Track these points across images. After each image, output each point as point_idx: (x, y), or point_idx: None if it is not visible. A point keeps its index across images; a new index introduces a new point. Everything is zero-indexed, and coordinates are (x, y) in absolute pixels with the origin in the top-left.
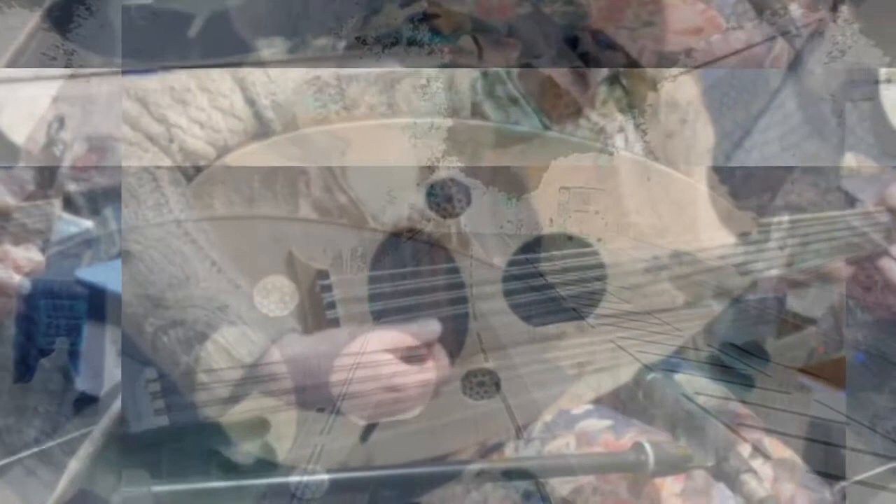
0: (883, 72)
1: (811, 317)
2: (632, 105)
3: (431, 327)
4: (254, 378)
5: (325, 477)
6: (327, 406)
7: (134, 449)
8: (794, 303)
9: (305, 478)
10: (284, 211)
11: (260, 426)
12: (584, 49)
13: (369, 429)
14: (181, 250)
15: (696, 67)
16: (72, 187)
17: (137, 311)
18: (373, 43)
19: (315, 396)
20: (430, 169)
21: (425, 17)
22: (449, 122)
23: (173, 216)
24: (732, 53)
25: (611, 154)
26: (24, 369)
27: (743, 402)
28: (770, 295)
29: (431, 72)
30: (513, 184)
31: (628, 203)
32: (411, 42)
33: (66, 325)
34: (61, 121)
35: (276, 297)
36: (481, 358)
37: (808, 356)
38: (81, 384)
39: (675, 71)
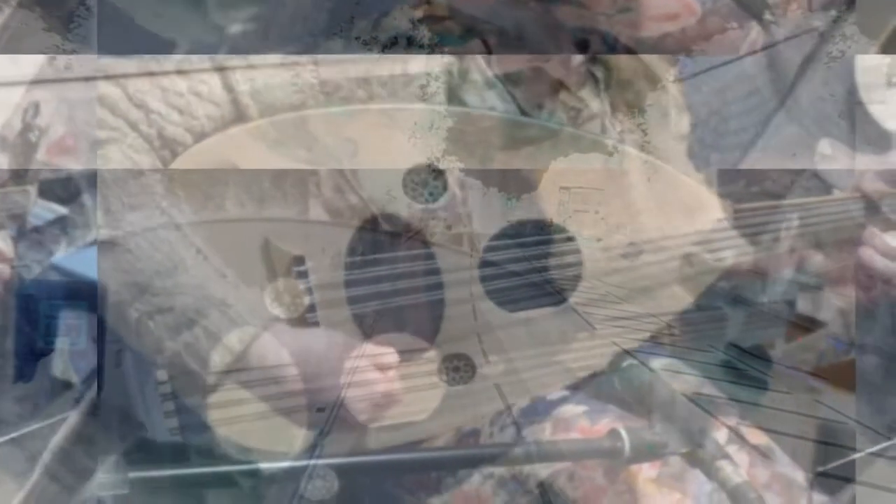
0: (885, 70)
1: (821, 319)
2: (632, 104)
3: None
4: (243, 367)
5: (296, 464)
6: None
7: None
8: (804, 305)
9: (286, 463)
10: (294, 212)
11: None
12: (594, 51)
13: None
14: (167, 238)
15: (705, 71)
16: (47, 174)
17: (123, 297)
18: (373, 43)
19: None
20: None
21: (435, 20)
22: (449, 121)
23: (156, 201)
24: (745, 55)
25: (611, 154)
26: (25, 369)
27: (736, 400)
28: (780, 299)
29: (431, 72)
30: (513, 184)
31: (629, 203)
32: (410, 42)
33: (65, 325)
34: (37, 107)
35: (288, 299)
36: (455, 345)
37: (817, 359)
38: (56, 370)
39: (670, 74)
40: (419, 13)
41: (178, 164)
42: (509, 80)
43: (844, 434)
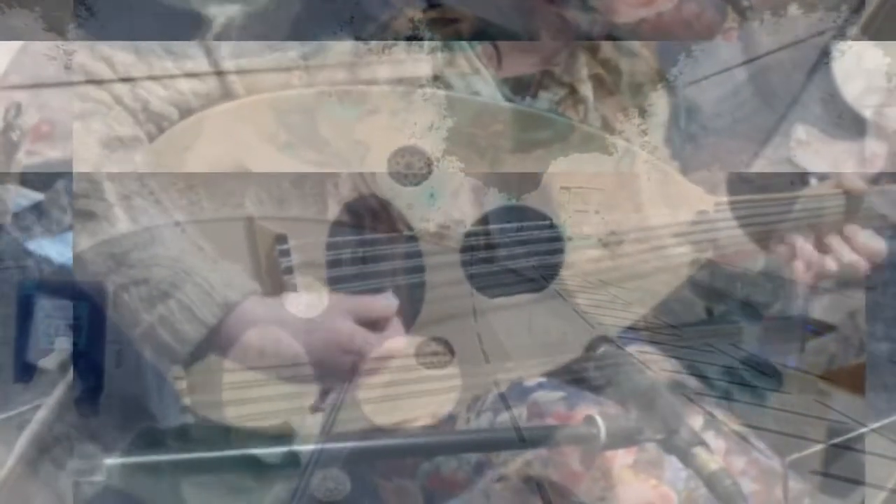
0: (859, 56)
1: (831, 323)
2: (639, 107)
3: (388, 301)
4: (217, 339)
5: (275, 450)
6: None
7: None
8: (815, 309)
9: (262, 450)
10: (313, 211)
11: (285, 432)
12: (606, 55)
13: (322, 398)
14: (146, 210)
15: (718, 74)
16: (24, 160)
17: (99, 269)
18: (373, 43)
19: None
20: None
21: (444, 23)
22: (450, 122)
23: (138, 172)
24: (752, 59)
25: (612, 154)
26: (24, 369)
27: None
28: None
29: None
30: (514, 184)
31: (638, 205)
32: (410, 40)
33: (66, 325)
34: (18, 107)
35: (306, 298)
36: (434, 329)
37: (827, 362)
38: (31, 355)
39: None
40: (425, 15)
41: (163, 139)
42: (519, 83)
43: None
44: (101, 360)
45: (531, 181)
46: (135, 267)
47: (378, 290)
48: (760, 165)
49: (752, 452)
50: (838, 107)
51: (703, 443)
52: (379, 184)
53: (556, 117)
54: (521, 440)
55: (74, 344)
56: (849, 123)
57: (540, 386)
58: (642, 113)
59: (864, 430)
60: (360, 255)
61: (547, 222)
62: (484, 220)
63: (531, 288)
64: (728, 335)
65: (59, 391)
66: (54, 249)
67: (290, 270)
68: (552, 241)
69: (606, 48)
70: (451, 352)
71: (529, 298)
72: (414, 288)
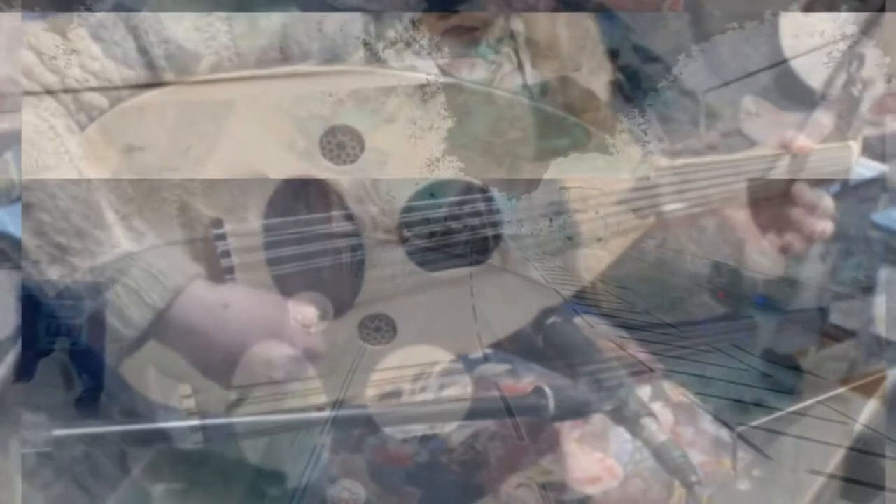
0: (808, 29)
1: (851, 329)
2: (635, 105)
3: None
4: (162, 323)
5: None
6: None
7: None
8: (837, 316)
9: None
10: (317, 221)
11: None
12: (626, 61)
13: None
14: (85, 199)
15: (730, 81)
16: None
17: (42, 258)
18: (374, 43)
19: (216, 351)
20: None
21: (464, 30)
22: (449, 122)
23: (72, 162)
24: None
25: (612, 154)
26: (25, 369)
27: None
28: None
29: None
30: (514, 184)
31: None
32: (409, 42)
33: (66, 325)
34: None
35: (311, 313)
36: (377, 306)
37: (848, 368)
38: None
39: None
40: (455, 24)
41: (95, 127)
42: (542, 90)
43: (875, 441)
44: (101, 359)
45: (532, 182)
46: (78, 255)
47: (317, 270)
48: (710, 136)
49: (700, 423)
50: (787, 78)
51: (651, 413)
52: (379, 189)
53: (574, 124)
54: (469, 412)
55: (73, 343)
56: (798, 94)
57: (486, 358)
58: (643, 111)
59: (810, 401)
60: (298, 236)
61: (487, 194)
62: (420, 194)
63: (472, 261)
64: (742, 331)
65: (7, 362)
66: (8, 221)
67: (227, 254)
68: (491, 214)
69: (627, 55)
70: (394, 328)
71: (475, 271)
72: (353, 266)
